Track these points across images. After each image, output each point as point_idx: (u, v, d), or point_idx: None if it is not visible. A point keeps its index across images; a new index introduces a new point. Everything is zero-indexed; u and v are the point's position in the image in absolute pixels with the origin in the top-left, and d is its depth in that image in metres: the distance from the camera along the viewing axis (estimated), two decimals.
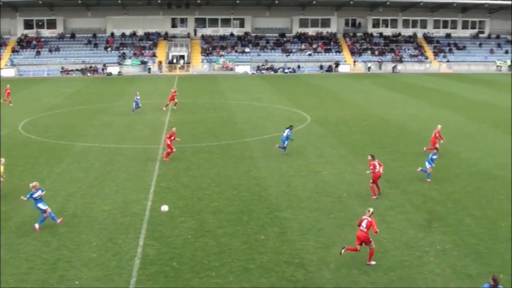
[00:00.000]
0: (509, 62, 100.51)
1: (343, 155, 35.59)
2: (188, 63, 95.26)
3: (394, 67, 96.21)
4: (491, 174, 31.40)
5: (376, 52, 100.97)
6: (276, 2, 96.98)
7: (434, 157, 29.83)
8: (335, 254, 20.35)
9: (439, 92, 67.79)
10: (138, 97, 51.02)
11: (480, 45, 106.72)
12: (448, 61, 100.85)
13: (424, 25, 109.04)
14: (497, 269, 19.42)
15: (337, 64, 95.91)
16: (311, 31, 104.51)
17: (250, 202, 26.19)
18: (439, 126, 36.79)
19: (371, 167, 27.04)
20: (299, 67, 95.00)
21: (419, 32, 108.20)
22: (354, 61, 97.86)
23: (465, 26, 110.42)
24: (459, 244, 21.53)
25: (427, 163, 29.78)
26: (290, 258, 20.19)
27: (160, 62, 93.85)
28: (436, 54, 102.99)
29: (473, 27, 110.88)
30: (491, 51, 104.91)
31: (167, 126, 43.84)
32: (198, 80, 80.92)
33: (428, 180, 29.64)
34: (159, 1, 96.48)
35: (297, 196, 27.09)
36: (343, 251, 19.84)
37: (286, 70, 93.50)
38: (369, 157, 27.54)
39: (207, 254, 20.45)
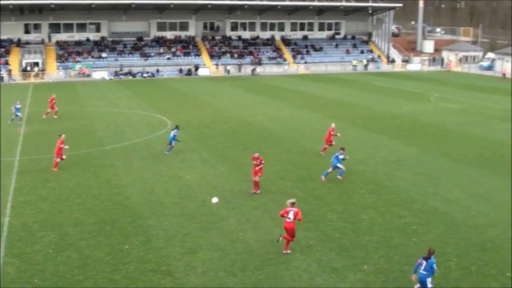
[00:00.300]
0: (365, 62, 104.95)
1: (205, 158, 35.63)
2: (43, 70, 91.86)
3: (253, 70, 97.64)
4: (351, 169, 32.52)
5: (235, 55, 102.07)
6: (133, 6, 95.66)
7: (341, 156, 30.42)
8: (201, 258, 20.30)
9: (298, 93, 69.58)
10: (18, 106, 48.60)
11: (337, 46, 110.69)
12: (306, 62, 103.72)
13: (281, 27, 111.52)
14: (361, 261, 20.18)
15: (196, 68, 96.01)
16: (169, 34, 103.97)
17: (113, 211, 25.58)
18: (333, 125, 37.50)
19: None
20: (158, 71, 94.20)
21: (277, 34, 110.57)
22: (217, 65, 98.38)
23: (321, 28, 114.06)
24: (323, 239, 22.12)
25: (339, 165, 30.30)
26: (156, 266, 19.89)
27: (9, 71, 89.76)
28: (294, 56, 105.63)
29: (329, 29, 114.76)
30: (347, 52, 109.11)
31: (22, 138, 42.01)
32: (54, 88, 78.00)
33: (340, 177, 30.34)
34: (10, 6, 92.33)
35: (160, 203, 26.77)
36: (280, 238, 20.95)
37: (145, 75, 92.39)
38: (256, 154, 28.32)
39: (70, 268, 19.73)
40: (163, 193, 28.37)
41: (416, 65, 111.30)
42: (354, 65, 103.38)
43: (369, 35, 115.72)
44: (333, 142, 36.40)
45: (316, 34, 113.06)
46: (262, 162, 28.27)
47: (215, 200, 23.81)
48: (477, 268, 19.88)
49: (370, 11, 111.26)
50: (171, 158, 35.46)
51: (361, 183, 29.87)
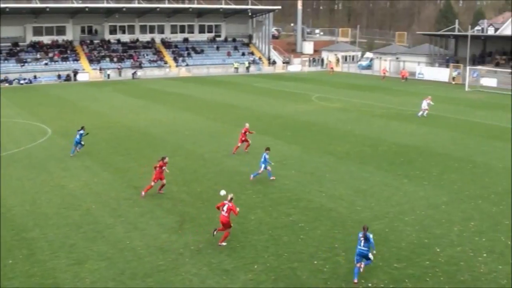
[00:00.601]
0: (246, 64, 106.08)
1: (88, 166, 34.85)
2: None
3: (134, 73, 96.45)
4: (237, 170, 32.85)
5: (115, 59, 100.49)
6: (7, 10, 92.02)
7: (267, 156, 30.71)
8: (89, 269, 19.86)
9: (180, 96, 69.40)
10: None
11: (218, 48, 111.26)
12: (187, 65, 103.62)
13: (161, 30, 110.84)
14: (251, 261, 20.42)
15: (75, 73, 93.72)
16: (46, 39, 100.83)
17: None
18: (247, 124, 38.11)
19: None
20: (35, 77, 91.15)
21: (157, 37, 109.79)
22: (100, 69, 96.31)
23: (202, 30, 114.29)
24: (213, 242, 22.18)
25: (262, 165, 30.65)
26: (42, 280, 19.26)
27: None
28: (175, 58, 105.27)
29: (209, 31, 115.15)
30: (229, 54, 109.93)
31: None
32: None
33: (273, 178, 30.91)
34: None
35: (44, 214, 25.93)
36: (215, 232, 22.22)
37: (21, 81, 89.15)
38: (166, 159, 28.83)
39: None
40: (46, 203, 27.49)
41: (296, 66, 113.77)
42: (235, 67, 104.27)
43: (250, 37, 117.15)
44: (249, 141, 37.59)
45: (196, 37, 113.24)
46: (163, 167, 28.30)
47: (223, 192, 23.53)
48: None
49: (249, 14, 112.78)
50: (53, 167, 34.43)
51: (248, 184, 30.18)
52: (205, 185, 30.20)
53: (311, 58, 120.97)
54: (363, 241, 19.09)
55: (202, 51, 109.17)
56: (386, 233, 23.36)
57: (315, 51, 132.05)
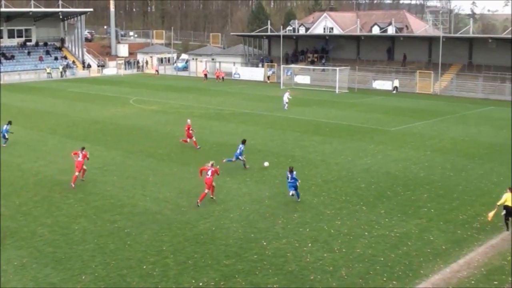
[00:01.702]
0: (60, 68, 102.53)
1: None
2: None
3: None
4: (56, 180, 31.85)
5: None
6: None
7: (243, 148, 33.98)
8: None
9: None
10: None
11: (29, 53, 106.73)
12: None
13: None
14: (78, 272, 19.94)
15: None
16: None
17: None
18: (189, 121, 41.39)
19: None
20: None
21: None
22: None
23: (11, 35, 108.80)
24: (37, 255, 21.36)
25: (239, 156, 33.99)
26: None
27: None
28: None
29: (19, 36, 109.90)
30: (41, 59, 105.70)
31: None
32: None
33: (247, 166, 34.09)
34: None
35: None
36: (199, 203, 27.03)
37: None
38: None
39: None
40: None
41: (112, 69, 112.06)
42: (48, 73, 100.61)
43: (62, 41, 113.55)
44: (194, 137, 40.44)
45: (6, 42, 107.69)
46: None
47: (266, 163, 32.45)
48: (194, 261, 20.77)
49: (61, 17, 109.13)
50: None
51: (69, 193, 29.33)
52: (25, 197, 28.94)
53: (126, 61, 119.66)
54: (289, 177, 27.15)
55: (12, 57, 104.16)
56: (213, 231, 23.77)
57: (130, 53, 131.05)
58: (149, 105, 63.43)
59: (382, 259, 21.04)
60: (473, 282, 19.33)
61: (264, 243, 22.45)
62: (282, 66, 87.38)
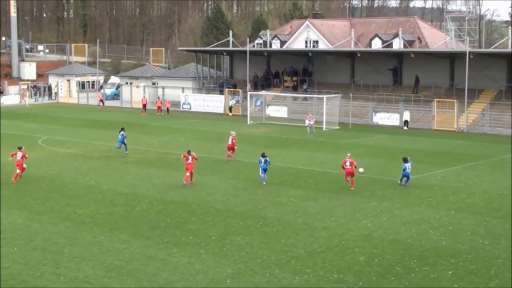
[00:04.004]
0: None
1: None
2: None
3: None
4: None
5: None
6: None
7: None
8: None
9: None
10: None
11: None
12: None
13: None
14: None
15: None
16: None
17: None
18: (233, 133, 56.48)
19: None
20: None
21: None
22: None
23: None
24: None
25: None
26: None
27: None
28: None
29: None
30: None
31: None
32: None
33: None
34: None
35: None
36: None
37: None
38: None
39: None
40: None
41: (13, 97, 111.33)
42: None
43: None
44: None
45: None
46: None
47: (361, 170, 44.61)
48: None
49: None
50: None
51: None
52: None
53: (33, 86, 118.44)
54: (262, 161, 44.79)
55: None
56: None
57: (40, 75, 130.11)
58: (65, 147, 62.93)
59: None
60: None
61: None
62: (249, 93, 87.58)
